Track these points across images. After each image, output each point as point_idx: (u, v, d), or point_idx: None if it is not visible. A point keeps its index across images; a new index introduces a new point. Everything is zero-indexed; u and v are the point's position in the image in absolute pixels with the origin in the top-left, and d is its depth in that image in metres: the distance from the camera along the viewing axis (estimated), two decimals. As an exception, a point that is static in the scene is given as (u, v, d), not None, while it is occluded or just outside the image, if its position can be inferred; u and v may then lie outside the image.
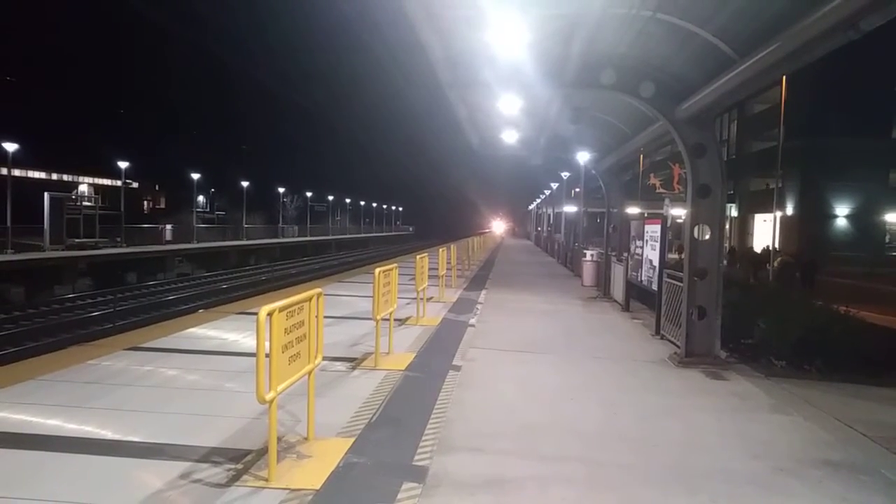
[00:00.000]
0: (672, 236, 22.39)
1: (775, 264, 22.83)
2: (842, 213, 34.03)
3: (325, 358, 7.46)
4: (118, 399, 5.99)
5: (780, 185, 27.46)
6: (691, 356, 8.70)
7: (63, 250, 28.65)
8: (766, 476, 4.75)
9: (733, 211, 40.93)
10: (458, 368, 7.85)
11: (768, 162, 30.51)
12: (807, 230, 32.99)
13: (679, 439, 5.58)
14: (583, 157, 18.32)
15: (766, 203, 33.75)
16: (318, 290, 4.86)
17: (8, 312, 20.49)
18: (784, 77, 23.41)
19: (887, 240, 34.86)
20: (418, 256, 11.40)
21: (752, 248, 34.52)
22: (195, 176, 53.79)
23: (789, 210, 34.24)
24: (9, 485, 4.06)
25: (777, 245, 26.88)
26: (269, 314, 3.96)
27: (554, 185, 47.15)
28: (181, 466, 4.39)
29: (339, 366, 7.59)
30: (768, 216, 31.36)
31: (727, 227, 40.60)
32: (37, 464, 4.40)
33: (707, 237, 8.74)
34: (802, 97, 29.22)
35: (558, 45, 7.67)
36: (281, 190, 75.99)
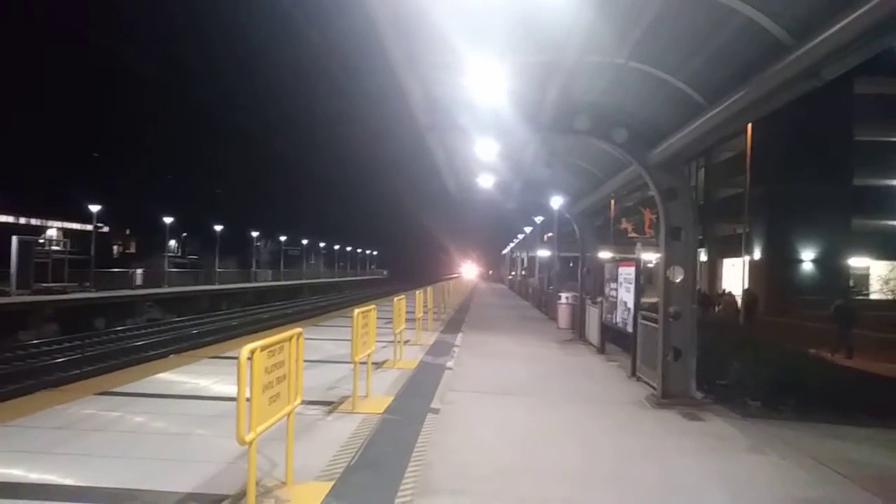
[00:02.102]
0: (644, 280, 22.69)
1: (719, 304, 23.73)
2: (807, 257, 34.83)
3: (301, 402, 7.39)
4: (87, 445, 5.80)
5: (747, 230, 28.14)
6: (668, 397, 8.74)
7: (30, 295, 27.96)
8: (747, 515, 4.76)
9: (703, 255, 41.69)
10: (436, 411, 7.77)
11: (736, 207, 31.29)
12: (774, 274, 33.67)
13: (658, 480, 5.58)
14: (556, 201, 18.62)
15: (734, 248, 34.42)
16: (299, 329, 4.84)
17: (-30, 358, 19.81)
18: (749, 125, 24.28)
19: (851, 283, 35.70)
20: (396, 299, 11.37)
21: (700, 289, 35.11)
22: (167, 220, 53.26)
23: (757, 255, 34.98)
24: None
25: (744, 288, 27.45)
26: (252, 353, 3.92)
27: (528, 230, 47.62)
28: (154, 513, 4.25)
29: (316, 409, 7.47)
30: (736, 260, 31.99)
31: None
32: (1, 512, 4.23)
33: (680, 279, 8.89)
34: (768, 145, 30.20)
35: (535, 91, 7.90)
36: (255, 234, 75.51)
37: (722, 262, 40.21)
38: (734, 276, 34.13)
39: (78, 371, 18.76)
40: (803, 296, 31.67)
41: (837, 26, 4.35)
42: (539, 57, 6.86)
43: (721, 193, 39.74)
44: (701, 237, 40.42)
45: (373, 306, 8.33)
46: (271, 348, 4.23)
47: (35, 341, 24.44)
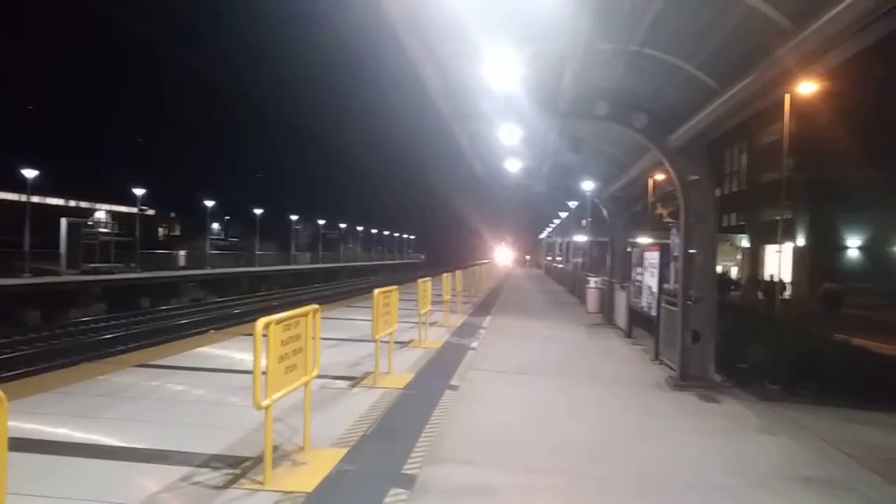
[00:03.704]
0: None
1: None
2: (853, 244, 33.93)
3: (326, 376, 7.79)
4: (126, 411, 6.28)
5: (787, 216, 27.54)
6: (686, 379, 8.86)
7: (79, 275, 29.20)
8: (742, 489, 4.93)
9: (745, 242, 40.91)
10: (455, 388, 8.07)
11: (780, 193, 30.64)
12: (818, 261, 32.90)
13: (663, 456, 5.77)
14: (587, 186, 18.64)
15: (777, 234, 33.74)
16: (315, 306, 5.16)
17: (24, 334, 20.94)
18: (788, 108, 23.74)
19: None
20: (420, 281, 11.67)
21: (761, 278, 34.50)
22: (209, 203, 54.66)
23: (801, 241, 34.20)
24: (23, 484, 4.33)
25: (788, 276, 26.96)
26: (266, 325, 4.25)
27: (563, 214, 47.44)
28: (183, 470, 4.65)
29: (340, 383, 7.84)
30: (782, 247, 31.35)
31: (739, 258, 40.54)
32: (48, 466, 4.68)
33: (700, 263, 8.97)
34: (812, 128, 29.42)
35: (551, 77, 8.04)
36: (294, 217, 76.81)
37: (765, 249, 39.44)
38: (778, 262, 33.46)
39: (123, 347, 19.67)
40: (849, 283, 30.91)
41: (833, 11, 4.42)
42: (550, 45, 7.01)
43: (765, 178, 38.89)
44: (743, 223, 39.98)
45: (394, 288, 8.64)
46: (287, 322, 4.56)
47: (84, 319, 25.63)
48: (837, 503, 4.75)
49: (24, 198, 32.26)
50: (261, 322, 4.21)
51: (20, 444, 5.07)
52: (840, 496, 4.88)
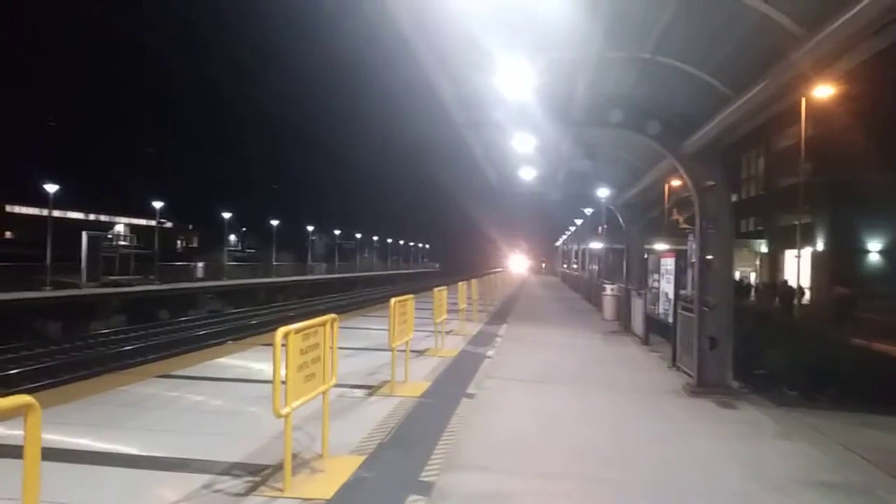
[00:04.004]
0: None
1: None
2: (874, 248, 33.51)
3: (344, 385, 7.85)
4: (148, 420, 6.39)
5: (805, 220, 27.28)
6: (703, 386, 8.82)
7: (99, 287, 29.62)
8: (758, 494, 4.92)
9: (763, 247, 40.56)
10: (471, 396, 8.10)
11: (798, 197, 30.36)
12: (838, 265, 32.51)
13: (678, 461, 5.77)
14: (602, 192, 18.63)
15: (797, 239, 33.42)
16: (333, 315, 5.24)
17: (45, 346, 21.27)
18: (804, 112, 23.60)
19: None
20: (436, 290, 11.73)
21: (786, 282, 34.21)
22: (227, 215, 55.26)
23: (820, 246, 33.83)
24: (47, 494, 4.42)
25: (807, 281, 26.68)
26: (286, 335, 4.33)
27: (578, 222, 47.31)
28: (204, 478, 4.73)
29: (357, 392, 7.91)
30: (799, 252, 31.02)
31: (757, 263, 40.17)
32: (72, 475, 4.78)
33: (716, 269, 8.94)
34: (830, 131, 29.17)
35: (564, 86, 8.10)
36: (310, 228, 77.36)
37: (784, 254, 39.04)
38: (798, 267, 33.11)
39: (142, 358, 19.90)
40: (870, 287, 30.49)
41: (845, 17, 4.43)
42: (563, 53, 7.07)
43: (783, 182, 38.53)
44: (761, 228, 39.64)
45: (411, 296, 8.71)
46: (305, 332, 4.64)
47: (104, 330, 25.97)
48: (856, 508, 4.72)
49: (45, 212, 32.80)
50: (280, 331, 4.29)
51: (45, 454, 5.18)
52: (859, 501, 4.85)
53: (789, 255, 38.23)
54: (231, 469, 4.96)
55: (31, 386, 15.28)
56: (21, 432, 2.50)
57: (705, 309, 8.89)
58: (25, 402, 2.44)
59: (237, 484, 4.64)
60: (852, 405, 8.18)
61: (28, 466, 2.49)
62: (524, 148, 11.83)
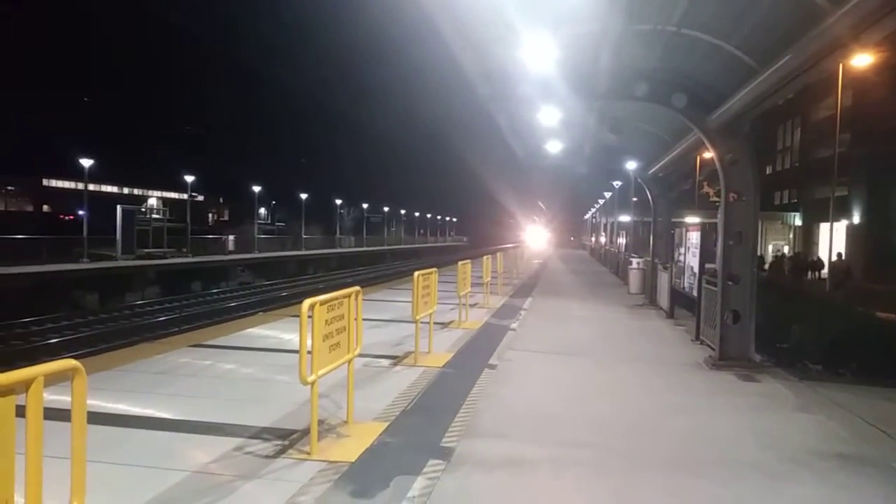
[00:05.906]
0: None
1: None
2: (912, 221, 32.61)
3: (369, 355, 8.09)
4: (182, 387, 6.69)
5: (838, 193, 26.67)
6: (725, 359, 8.86)
7: (133, 260, 30.40)
8: (773, 464, 5.00)
9: (797, 220, 39.79)
10: (493, 367, 8.27)
11: (833, 170, 29.61)
12: (875, 238, 31.78)
13: (696, 432, 5.87)
14: (630, 165, 18.48)
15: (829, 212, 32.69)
16: (357, 288, 5.41)
17: (84, 317, 22.03)
18: (841, 81, 22.97)
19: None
20: (460, 263, 11.87)
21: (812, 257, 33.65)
22: (257, 189, 55.88)
23: (856, 219, 33.06)
24: (91, 454, 4.71)
25: (841, 254, 26.21)
26: (311, 306, 4.51)
27: (607, 195, 46.86)
28: (235, 441, 4.99)
29: (382, 362, 8.13)
30: (835, 225, 30.38)
31: (791, 236, 39.48)
32: (112, 437, 5.07)
33: (740, 242, 8.91)
34: (869, 102, 28.32)
35: (588, 60, 8.08)
36: (338, 202, 77.85)
37: (818, 227, 38.23)
38: (834, 240, 32.41)
39: (176, 329, 20.50)
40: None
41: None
42: (586, 28, 7.05)
43: (819, 154, 37.55)
44: (796, 201, 38.82)
45: (434, 270, 8.85)
46: (330, 303, 4.82)
47: (139, 301, 26.75)
48: (868, 478, 4.78)
49: (80, 185, 33.56)
50: (306, 303, 4.47)
51: (87, 417, 5.51)
52: (872, 472, 4.90)
53: (824, 228, 37.49)
54: (261, 433, 5.21)
55: (71, 354, 15.88)
56: (66, 398, 2.68)
57: (729, 283, 8.89)
58: (72, 366, 2.64)
59: (267, 447, 4.89)
60: (876, 380, 8.16)
61: (76, 424, 2.69)
62: (549, 121, 11.79)
